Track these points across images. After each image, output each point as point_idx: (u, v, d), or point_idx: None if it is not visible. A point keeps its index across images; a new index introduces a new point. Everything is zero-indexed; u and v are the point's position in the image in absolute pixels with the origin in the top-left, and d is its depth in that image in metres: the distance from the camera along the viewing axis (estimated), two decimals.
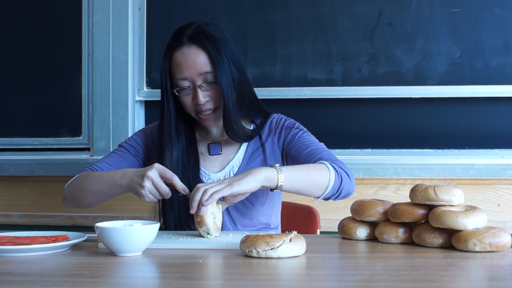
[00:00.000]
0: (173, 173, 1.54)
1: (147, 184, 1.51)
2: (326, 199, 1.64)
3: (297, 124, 1.82)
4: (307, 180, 1.57)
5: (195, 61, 1.67)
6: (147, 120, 2.47)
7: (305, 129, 1.81)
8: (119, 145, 1.86)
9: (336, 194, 1.62)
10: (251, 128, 1.83)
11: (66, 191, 1.75)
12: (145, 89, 2.44)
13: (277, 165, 1.55)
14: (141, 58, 2.44)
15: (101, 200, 1.70)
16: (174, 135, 1.75)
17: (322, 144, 1.76)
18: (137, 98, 2.44)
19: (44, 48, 2.52)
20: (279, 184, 1.52)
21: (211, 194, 1.45)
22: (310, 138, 1.77)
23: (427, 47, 2.26)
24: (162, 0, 2.44)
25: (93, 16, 2.45)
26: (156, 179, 1.51)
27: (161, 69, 1.72)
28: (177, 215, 1.74)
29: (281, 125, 1.81)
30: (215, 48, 1.67)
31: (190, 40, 1.68)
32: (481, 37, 2.24)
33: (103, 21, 2.43)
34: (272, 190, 1.54)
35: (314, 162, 1.67)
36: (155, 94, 2.42)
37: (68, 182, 1.76)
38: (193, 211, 1.46)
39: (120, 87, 2.42)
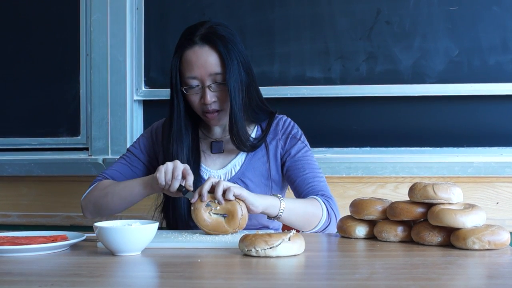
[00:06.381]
0: (191, 173, 1.58)
1: (169, 164, 1.57)
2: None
3: (303, 136, 1.84)
4: (302, 217, 1.64)
5: (207, 61, 1.68)
6: (146, 120, 2.47)
7: (308, 145, 1.84)
8: (128, 149, 1.89)
9: (319, 231, 1.70)
10: (255, 130, 1.84)
11: (86, 202, 1.77)
12: (143, 88, 2.44)
13: (280, 196, 1.60)
14: (139, 57, 2.44)
15: (125, 205, 1.72)
16: (184, 132, 1.76)
17: (320, 170, 1.80)
18: (136, 98, 2.44)
19: (42, 48, 2.52)
20: (278, 215, 1.58)
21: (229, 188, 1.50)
22: (310, 160, 1.80)
23: (425, 45, 2.26)
24: None
25: (91, 16, 2.44)
26: (179, 165, 1.56)
27: (171, 66, 1.73)
28: (178, 213, 1.75)
29: (288, 132, 1.83)
30: (227, 49, 1.69)
31: (203, 40, 1.69)
32: (479, 35, 2.24)
33: (101, 21, 2.43)
34: (268, 218, 1.60)
35: (309, 191, 1.73)
36: (154, 94, 2.42)
37: (85, 194, 1.79)
38: (194, 200, 1.52)
39: (118, 86, 2.42)
